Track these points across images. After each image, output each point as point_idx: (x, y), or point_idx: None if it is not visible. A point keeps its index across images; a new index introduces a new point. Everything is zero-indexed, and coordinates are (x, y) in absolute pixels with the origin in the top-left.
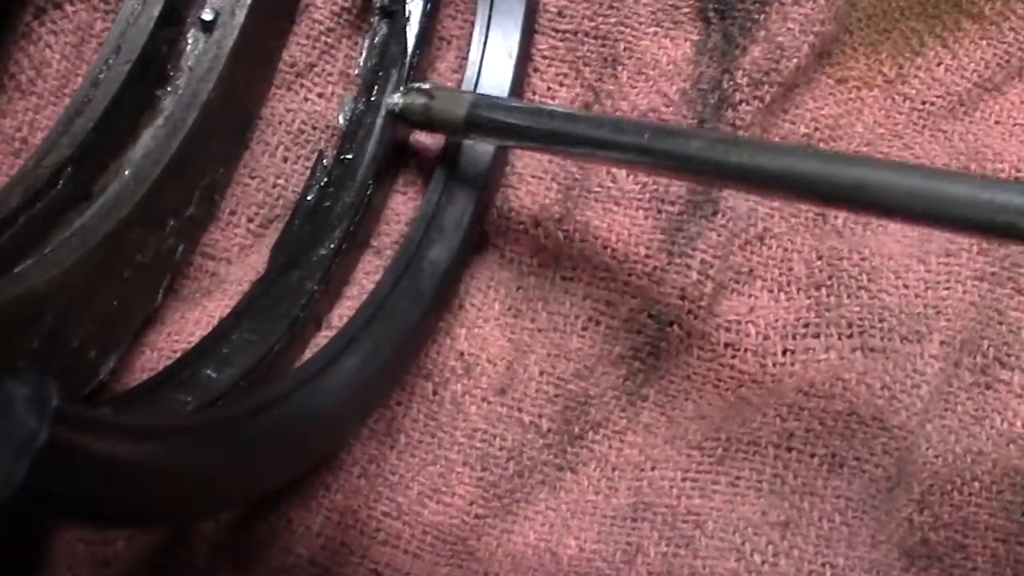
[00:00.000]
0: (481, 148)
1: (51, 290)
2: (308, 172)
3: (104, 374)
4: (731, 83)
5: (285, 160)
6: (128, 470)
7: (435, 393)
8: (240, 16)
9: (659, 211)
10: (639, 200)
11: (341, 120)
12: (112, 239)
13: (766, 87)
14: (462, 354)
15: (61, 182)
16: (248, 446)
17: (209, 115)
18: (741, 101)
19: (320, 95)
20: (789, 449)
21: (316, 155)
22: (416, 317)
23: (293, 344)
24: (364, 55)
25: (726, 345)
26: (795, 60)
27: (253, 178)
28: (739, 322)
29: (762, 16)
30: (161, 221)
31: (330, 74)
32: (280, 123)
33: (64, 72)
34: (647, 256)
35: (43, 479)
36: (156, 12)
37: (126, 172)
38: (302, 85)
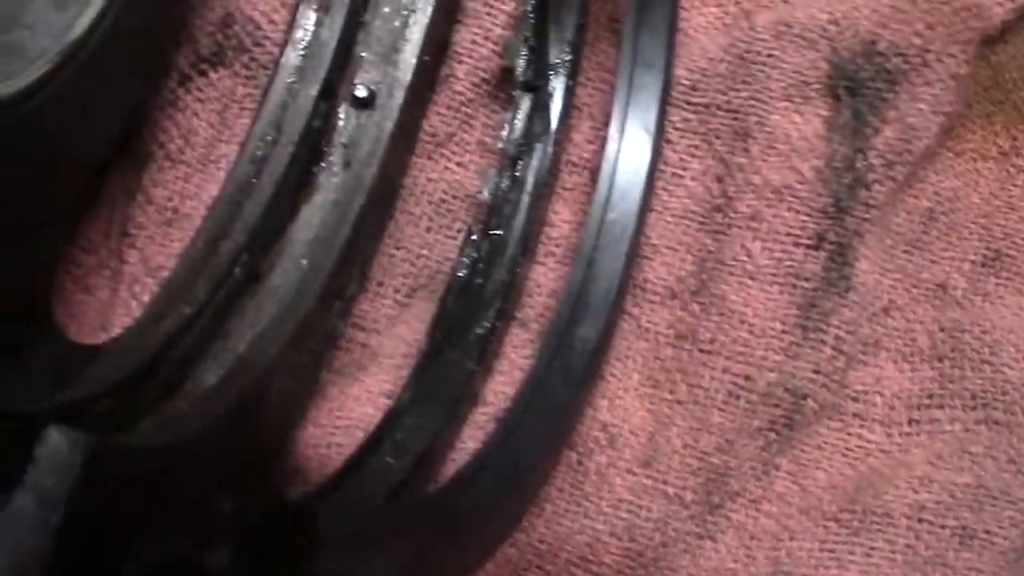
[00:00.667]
0: (622, 220)
1: (252, 385)
2: (450, 242)
3: (286, 455)
4: (864, 163)
5: (428, 230)
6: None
7: (580, 463)
8: (399, 96)
9: (794, 287)
10: (774, 275)
11: (486, 193)
12: (294, 327)
13: (898, 167)
14: (605, 425)
15: (238, 269)
16: (445, 533)
17: (372, 195)
18: (875, 181)
19: (459, 164)
20: (921, 520)
21: (462, 229)
22: (571, 396)
23: (456, 423)
24: (507, 129)
25: (854, 415)
26: (925, 141)
27: (399, 248)
28: (866, 392)
29: (891, 95)
30: (330, 303)
31: (468, 143)
32: (423, 193)
33: (210, 140)
34: (783, 331)
35: None
36: (315, 91)
37: (301, 259)
38: (442, 155)
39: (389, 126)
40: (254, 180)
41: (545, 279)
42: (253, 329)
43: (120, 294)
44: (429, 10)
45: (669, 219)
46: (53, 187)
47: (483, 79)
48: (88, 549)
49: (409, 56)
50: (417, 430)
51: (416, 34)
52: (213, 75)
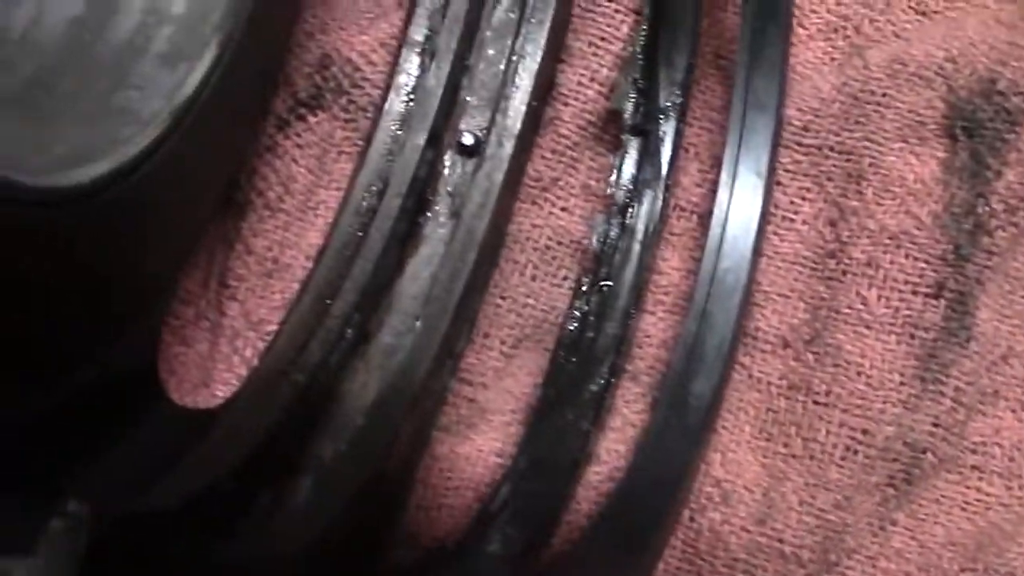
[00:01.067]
0: (734, 269)
1: (384, 454)
2: (556, 290)
3: (400, 520)
4: (986, 208)
5: (533, 278)
6: None
7: (692, 520)
8: (508, 147)
9: (912, 336)
10: (891, 325)
11: (594, 241)
12: (412, 392)
13: (1021, 212)
14: (718, 481)
15: (350, 331)
16: None
17: (483, 249)
18: (997, 227)
19: (563, 209)
20: None
21: (568, 276)
22: (688, 454)
23: (574, 485)
24: (615, 175)
25: (973, 467)
26: None
27: (504, 298)
28: (985, 444)
29: (1012, 136)
30: (443, 362)
31: (573, 187)
32: (527, 240)
33: (309, 186)
34: (902, 383)
35: None
36: (422, 139)
37: (411, 316)
38: (546, 200)
39: (499, 176)
40: (359, 233)
41: (655, 329)
42: (365, 393)
43: (221, 348)
44: (539, 55)
45: (780, 264)
46: (162, 251)
47: (589, 122)
48: None
49: (519, 103)
50: (535, 495)
51: (525, 80)
52: (312, 119)
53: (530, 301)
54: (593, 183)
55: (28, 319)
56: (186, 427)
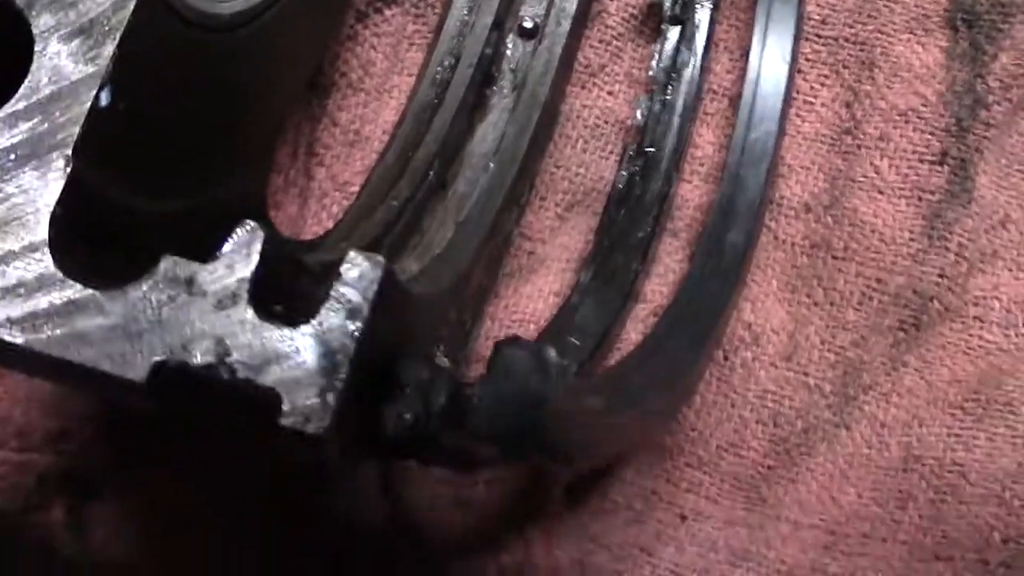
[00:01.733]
0: (762, 140)
1: (462, 274)
2: (603, 162)
3: (472, 340)
4: (983, 86)
5: (584, 151)
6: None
7: (726, 359)
8: (565, 25)
9: (920, 199)
10: (901, 189)
11: (639, 116)
12: (488, 227)
13: (1015, 89)
14: (749, 325)
15: (431, 174)
16: (634, 399)
17: (544, 114)
18: (993, 102)
19: (610, 93)
20: None
21: (614, 150)
22: (725, 293)
23: (624, 315)
24: (657, 59)
25: (974, 318)
26: None
27: (558, 167)
28: (985, 297)
29: (1006, 25)
30: (510, 208)
31: (618, 74)
32: (578, 118)
33: (386, 71)
34: (911, 239)
35: (546, 431)
36: (489, 21)
37: (481, 170)
38: (595, 84)
39: (558, 50)
40: (435, 100)
41: (691, 194)
42: (444, 228)
43: (310, 207)
44: None
45: (802, 142)
46: (271, 103)
47: (631, 15)
48: (377, 361)
49: None
50: (594, 317)
51: None
52: (387, 12)
53: (580, 171)
54: (635, 71)
55: (178, 131)
56: (300, 246)
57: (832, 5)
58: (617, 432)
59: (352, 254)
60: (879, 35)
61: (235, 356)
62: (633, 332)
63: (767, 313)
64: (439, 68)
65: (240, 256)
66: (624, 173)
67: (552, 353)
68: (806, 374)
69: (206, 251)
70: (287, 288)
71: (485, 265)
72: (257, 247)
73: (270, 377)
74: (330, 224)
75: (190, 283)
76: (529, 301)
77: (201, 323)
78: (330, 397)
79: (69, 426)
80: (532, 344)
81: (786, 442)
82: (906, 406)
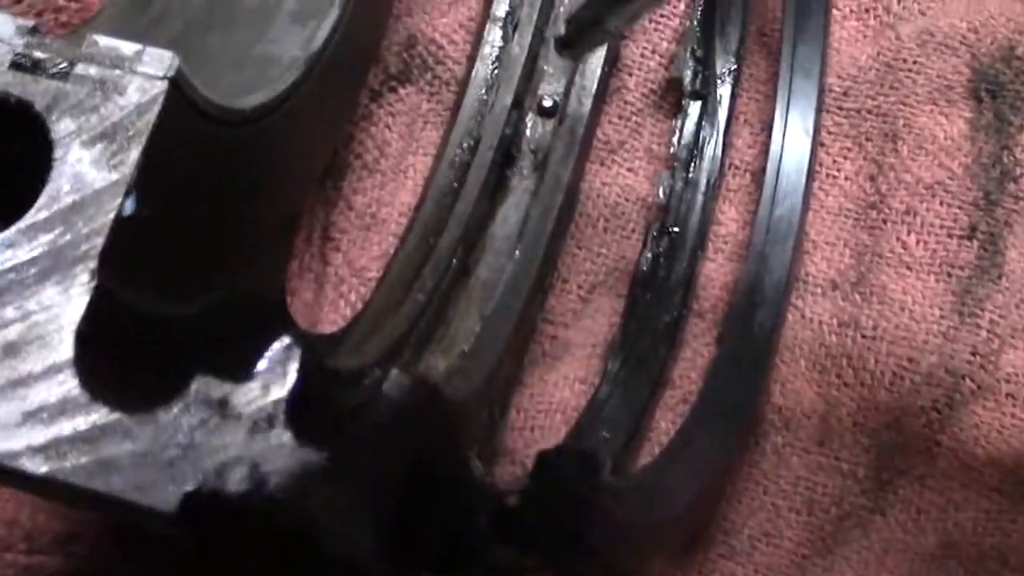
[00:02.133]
0: (787, 216)
1: (492, 372)
2: (625, 242)
3: (499, 433)
4: (1011, 158)
5: (605, 231)
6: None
7: (756, 444)
8: (587, 104)
9: (949, 275)
10: (930, 265)
11: (661, 195)
12: (516, 318)
13: None
14: (779, 408)
15: (455, 261)
16: (671, 498)
17: (566, 195)
18: (1021, 175)
19: (630, 170)
20: None
21: (636, 229)
22: (756, 378)
23: (654, 404)
24: (678, 135)
25: (1007, 395)
26: None
27: (580, 248)
28: (1017, 374)
29: None
30: (535, 295)
31: (637, 150)
32: (599, 197)
33: (401, 151)
34: (941, 316)
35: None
36: (509, 100)
37: (514, 250)
38: (614, 161)
39: (580, 130)
40: (455, 183)
41: (716, 274)
42: (469, 320)
43: (326, 294)
44: None
45: (826, 216)
46: (290, 192)
47: (651, 90)
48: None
49: (595, 67)
50: (625, 408)
51: (598, 50)
52: (402, 91)
53: (603, 251)
54: (655, 147)
55: (199, 230)
56: (320, 344)
57: (853, 77)
58: (656, 533)
59: (395, 374)
60: (902, 107)
61: (273, 482)
62: (663, 420)
63: (797, 395)
64: (458, 150)
65: (276, 375)
66: (648, 254)
67: (597, 459)
68: (839, 459)
69: (228, 349)
70: (319, 401)
71: (512, 355)
72: (294, 366)
73: (312, 504)
74: (348, 312)
75: (223, 405)
76: (555, 389)
77: (236, 448)
78: (374, 527)
79: (78, 529)
80: (576, 451)
81: (821, 530)
82: (941, 489)
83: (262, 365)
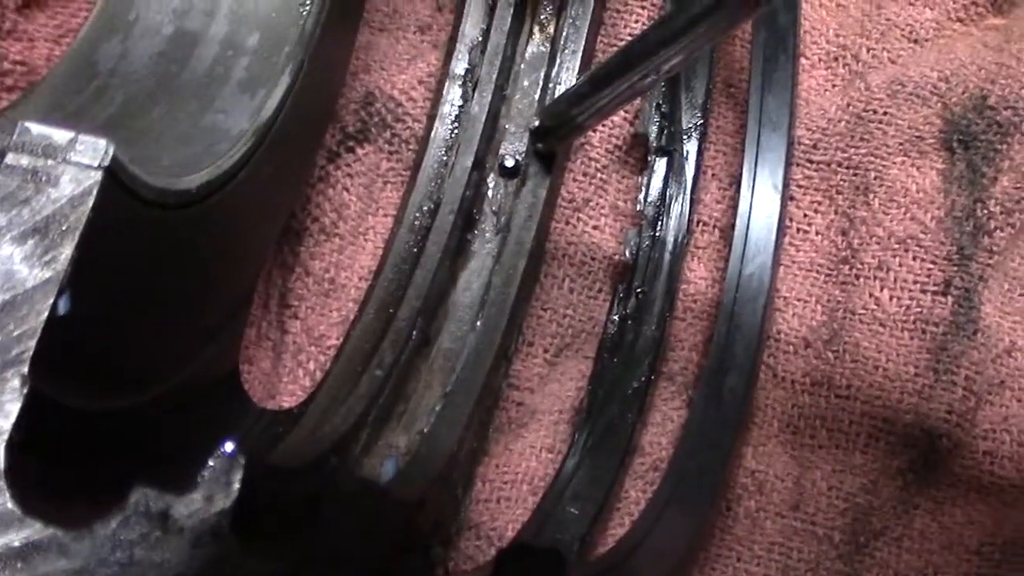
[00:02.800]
0: (758, 274)
1: (453, 455)
2: (592, 302)
3: (463, 509)
4: (984, 211)
5: (571, 291)
6: None
7: (728, 509)
8: (547, 167)
9: (923, 332)
10: (904, 322)
11: (627, 254)
12: (479, 391)
13: (1017, 214)
14: (752, 472)
15: (415, 332)
16: None
17: (530, 259)
18: (996, 228)
19: (595, 228)
20: None
21: (603, 288)
22: (727, 443)
23: (623, 473)
24: (643, 192)
25: (984, 453)
26: None
27: (545, 310)
28: (995, 431)
29: (1004, 146)
30: (499, 363)
31: (603, 207)
32: (564, 256)
33: (360, 212)
34: (916, 374)
35: None
36: (469, 162)
37: (465, 322)
38: (579, 219)
39: (543, 193)
40: (415, 249)
41: (685, 334)
42: (430, 393)
43: (284, 363)
44: (572, 83)
45: (797, 272)
46: (245, 260)
47: (616, 146)
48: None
49: None
50: (593, 481)
51: None
52: (359, 151)
53: (569, 312)
54: (621, 203)
55: (132, 314)
56: (272, 424)
57: (823, 128)
58: None
59: (349, 482)
60: (872, 158)
61: None
62: (632, 490)
63: (770, 458)
64: (417, 213)
65: (219, 484)
66: (615, 316)
67: (560, 556)
68: (814, 523)
69: (177, 435)
70: (268, 504)
71: (475, 427)
72: (238, 475)
73: None
74: (307, 382)
75: (164, 518)
76: (521, 459)
77: (179, 564)
78: None
79: None
80: (538, 549)
81: None
82: (919, 551)
83: (205, 475)
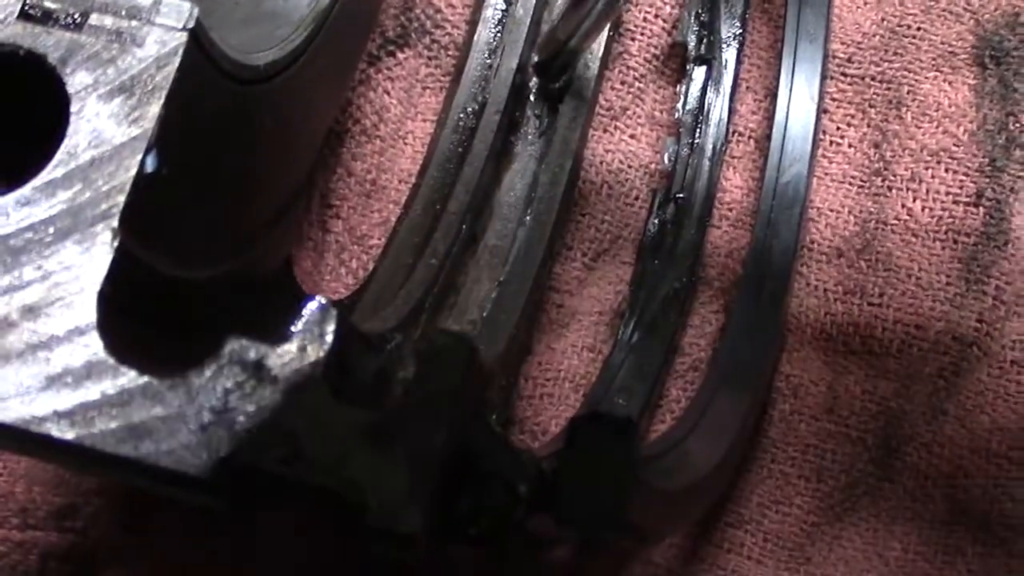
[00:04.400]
0: (794, 183)
1: (512, 337)
2: (628, 208)
3: (509, 405)
4: (1017, 125)
5: (608, 197)
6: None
7: (764, 411)
8: (594, 68)
9: (955, 242)
10: (935, 232)
11: (666, 161)
12: (531, 284)
13: None
14: (787, 376)
15: (464, 227)
16: (693, 466)
17: (575, 161)
18: None
19: (632, 136)
20: None
21: (639, 196)
22: (766, 348)
23: (666, 372)
24: (683, 100)
25: (1012, 362)
26: None
27: (583, 216)
28: (1023, 341)
29: None
30: (547, 261)
31: (639, 116)
32: (601, 163)
33: (400, 116)
34: (948, 283)
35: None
36: (514, 65)
37: (525, 217)
38: (616, 128)
39: (587, 94)
40: (459, 149)
41: (721, 240)
42: (478, 287)
43: (327, 261)
44: None
45: (830, 184)
46: (300, 153)
47: (654, 55)
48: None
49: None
50: (639, 375)
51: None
52: (400, 55)
53: (607, 219)
54: (657, 113)
55: (216, 192)
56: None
57: (857, 43)
58: (682, 502)
59: (440, 335)
60: (906, 73)
61: (313, 446)
62: (673, 388)
63: (804, 363)
64: (462, 115)
65: (312, 336)
66: (655, 221)
67: (633, 424)
68: (847, 426)
69: (242, 319)
70: (355, 363)
71: (525, 321)
72: (331, 327)
73: (353, 469)
74: (349, 280)
75: (259, 367)
76: (563, 357)
77: (273, 411)
78: (419, 492)
79: (75, 501)
80: (611, 416)
81: (830, 497)
82: (949, 456)
83: (298, 326)
